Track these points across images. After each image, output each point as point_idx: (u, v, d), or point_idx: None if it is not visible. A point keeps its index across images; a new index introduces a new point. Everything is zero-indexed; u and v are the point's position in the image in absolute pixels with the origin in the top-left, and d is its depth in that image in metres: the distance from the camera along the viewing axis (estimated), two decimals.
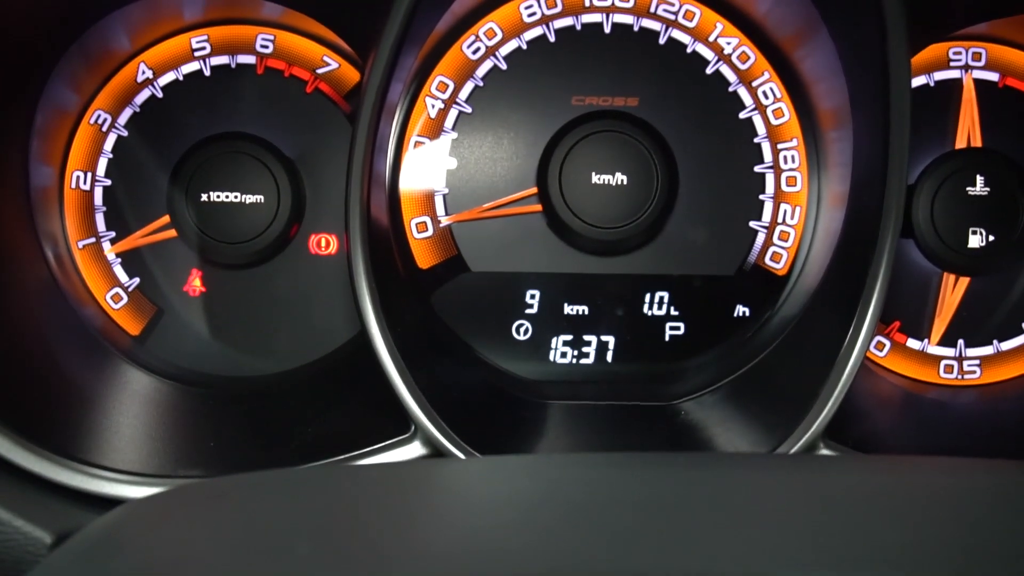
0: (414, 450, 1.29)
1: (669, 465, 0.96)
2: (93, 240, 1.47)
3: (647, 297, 1.49)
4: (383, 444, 1.29)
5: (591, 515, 0.78)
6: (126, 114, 1.47)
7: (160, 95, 1.48)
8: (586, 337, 1.50)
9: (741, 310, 1.49)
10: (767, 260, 1.49)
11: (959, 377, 1.52)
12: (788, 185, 1.49)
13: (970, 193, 1.45)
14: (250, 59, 1.48)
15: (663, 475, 0.91)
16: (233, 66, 1.48)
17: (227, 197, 1.45)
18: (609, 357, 1.50)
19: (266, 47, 1.48)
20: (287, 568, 0.70)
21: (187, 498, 0.93)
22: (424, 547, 0.73)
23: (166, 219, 1.46)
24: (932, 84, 1.50)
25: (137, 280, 1.49)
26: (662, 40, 1.48)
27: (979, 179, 1.45)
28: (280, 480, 0.94)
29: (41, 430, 1.21)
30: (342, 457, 1.28)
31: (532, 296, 1.48)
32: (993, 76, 1.50)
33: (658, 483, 0.88)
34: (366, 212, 1.28)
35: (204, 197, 1.45)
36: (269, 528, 0.79)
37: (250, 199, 1.45)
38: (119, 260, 1.48)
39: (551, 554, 0.70)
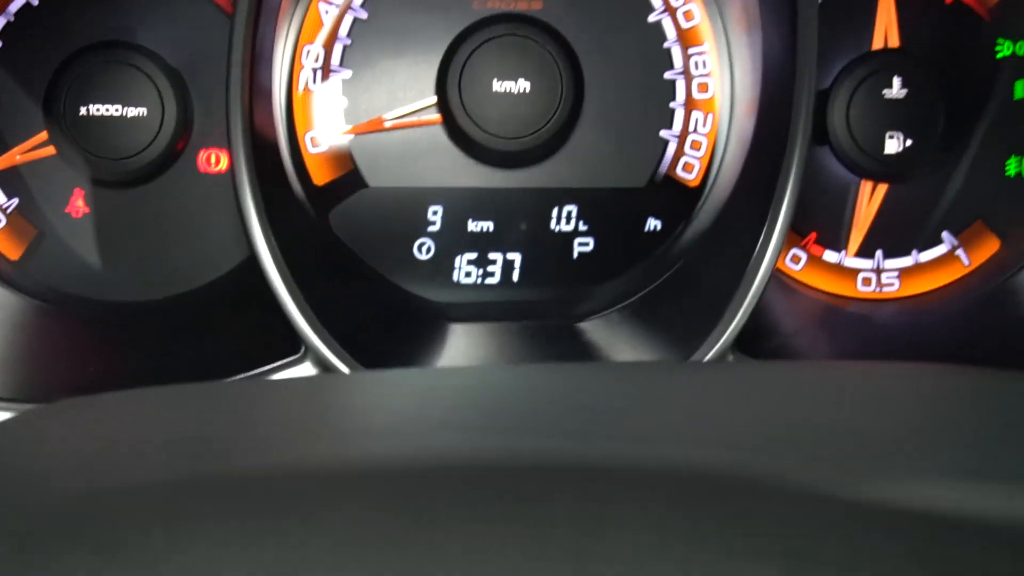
0: (305, 371, 1.24)
1: (561, 371, 0.92)
2: None
3: (554, 211, 1.42)
4: (273, 365, 1.24)
5: (484, 415, 0.73)
6: None
7: (35, 2, 1.39)
8: (491, 255, 1.43)
9: (652, 223, 1.43)
10: (679, 171, 1.43)
11: (878, 290, 1.48)
12: (699, 92, 1.42)
13: (887, 96, 1.40)
14: None
15: (556, 380, 0.87)
16: None
17: (108, 110, 1.37)
18: (515, 276, 1.44)
19: None
20: (159, 487, 0.64)
21: (50, 418, 0.87)
22: (300, 456, 0.68)
23: (44, 135, 1.38)
24: None
25: (16, 201, 1.40)
26: None
27: (896, 81, 1.40)
28: (152, 396, 0.89)
29: None
30: (230, 380, 1.23)
31: (434, 212, 1.42)
32: None
33: (551, 387, 0.83)
34: (249, 124, 1.22)
35: (84, 111, 1.36)
36: (140, 444, 0.73)
37: (132, 112, 1.37)
38: None
39: (436, 450, 0.65)
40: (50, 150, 1.39)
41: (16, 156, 1.39)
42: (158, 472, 0.64)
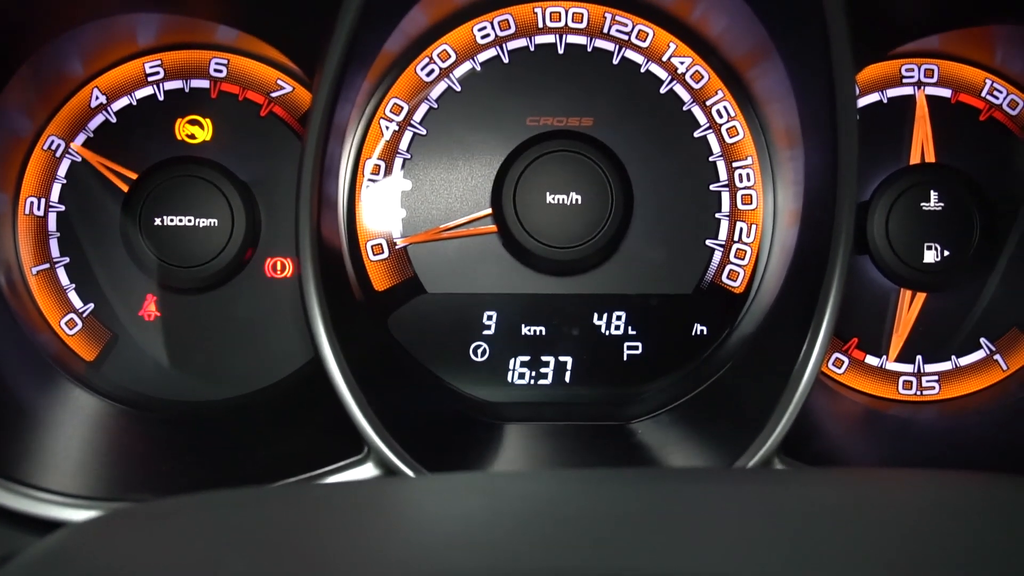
0: (367, 471, 1.28)
1: (617, 479, 0.95)
2: (47, 266, 1.47)
3: (604, 317, 1.48)
4: (336, 466, 1.28)
5: (539, 529, 0.77)
6: (80, 139, 1.47)
7: (114, 120, 1.47)
8: (544, 358, 1.49)
9: (699, 329, 1.49)
10: (724, 278, 1.49)
11: (918, 393, 1.52)
12: (744, 203, 1.49)
13: (924, 209, 1.46)
14: (204, 83, 1.48)
15: (611, 488, 0.90)
16: (187, 90, 1.48)
17: (181, 221, 1.45)
18: (567, 378, 1.49)
19: (220, 71, 1.48)
20: None
21: (129, 520, 0.91)
22: (365, 564, 0.72)
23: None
24: (885, 101, 1.50)
25: (91, 306, 1.48)
26: (616, 60, 1.48)
27: (933, 194, 1.45)
28: (225, 500, 0.93)
29: None
30: (295, 479, 1.27)
31: (489, 317, 1.48)
32: (946, 92, 1.51)
33: (605, 496, 0.87)
34: (316, 234, 1.28)
35: (158, 221, 1.44)
36: (212, 549, 0.78)
37: (204, 223, 1.45)
38: (73, 286, 1.47)
39: (495, 565, 0.69)
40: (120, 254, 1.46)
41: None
42: None
